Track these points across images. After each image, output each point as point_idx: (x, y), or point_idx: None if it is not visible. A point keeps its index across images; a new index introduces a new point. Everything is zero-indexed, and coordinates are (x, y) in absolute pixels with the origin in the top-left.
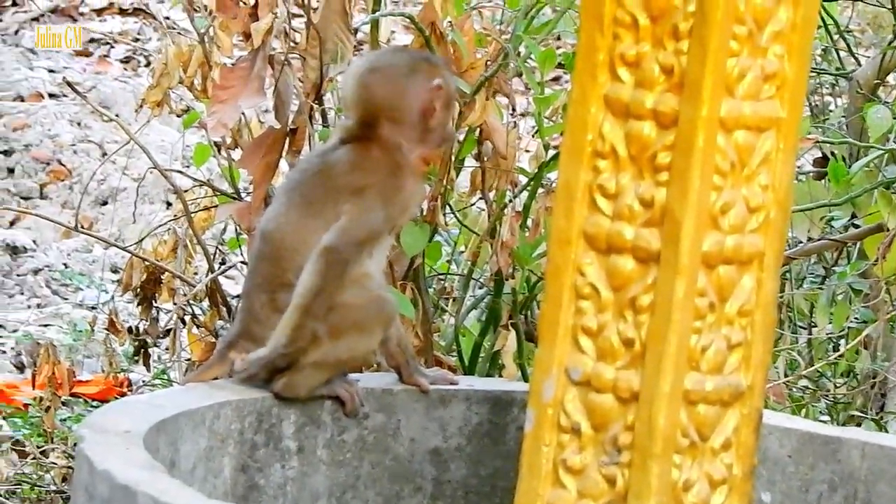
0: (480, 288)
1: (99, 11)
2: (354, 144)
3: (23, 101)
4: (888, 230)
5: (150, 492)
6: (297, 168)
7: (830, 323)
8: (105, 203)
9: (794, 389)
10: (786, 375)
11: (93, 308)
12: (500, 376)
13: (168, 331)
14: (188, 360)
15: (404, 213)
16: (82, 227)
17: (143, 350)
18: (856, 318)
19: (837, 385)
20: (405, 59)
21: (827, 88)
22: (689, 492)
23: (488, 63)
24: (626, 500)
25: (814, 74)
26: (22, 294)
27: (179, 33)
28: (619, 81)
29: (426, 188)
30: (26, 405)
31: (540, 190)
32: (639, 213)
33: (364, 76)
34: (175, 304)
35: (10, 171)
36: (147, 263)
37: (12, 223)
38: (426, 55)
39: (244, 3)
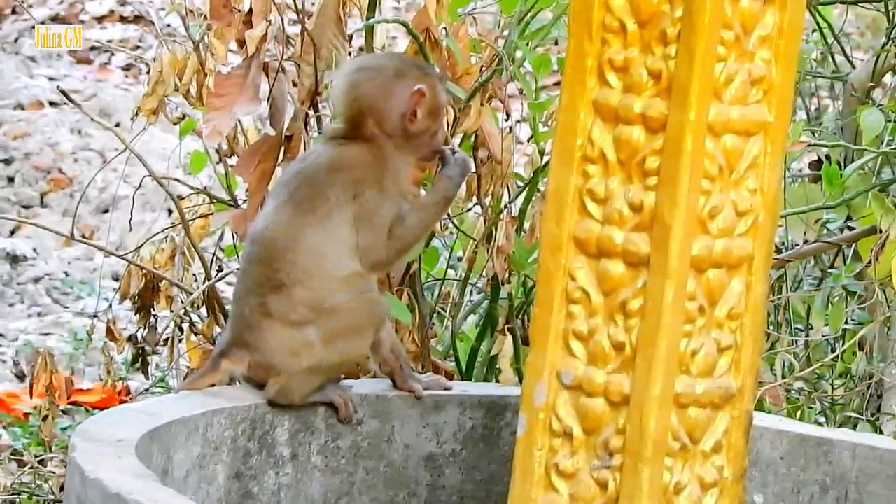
0: (478, 293)
1: (100, 19)
2: (339, 140)
3: (23, 109)
4: (882, 232)
5: (142, 500)
6: (286, 170)
7: (827, 325)
8: (106, 211)
9: (791, 391)
10: (783, 377)
11: (93, 316)
12: (498, 381)
13: (167, 339)
14: (187, 367)
15: (402, 190)
16: (83, 235)
17: (141, 358)
18: (852, 320)
19: (834, 387)
20: (395, 63)
21: (825, 92)
22: (680, 495)
23: (483, 69)
24: (618, 503)
25: (809, 77)
26: (22, 303)
27: (175, 41)
28: (608, 86)
29: (411, 169)
30: (26, 415)
31: (536, 195)
32: (628, 217)
33: (352, 75)
34: (173, 311)
35: (11, 179)
36: (145, 271)
37: (13, 232)
38: (420, 63)
39: (238, 11)
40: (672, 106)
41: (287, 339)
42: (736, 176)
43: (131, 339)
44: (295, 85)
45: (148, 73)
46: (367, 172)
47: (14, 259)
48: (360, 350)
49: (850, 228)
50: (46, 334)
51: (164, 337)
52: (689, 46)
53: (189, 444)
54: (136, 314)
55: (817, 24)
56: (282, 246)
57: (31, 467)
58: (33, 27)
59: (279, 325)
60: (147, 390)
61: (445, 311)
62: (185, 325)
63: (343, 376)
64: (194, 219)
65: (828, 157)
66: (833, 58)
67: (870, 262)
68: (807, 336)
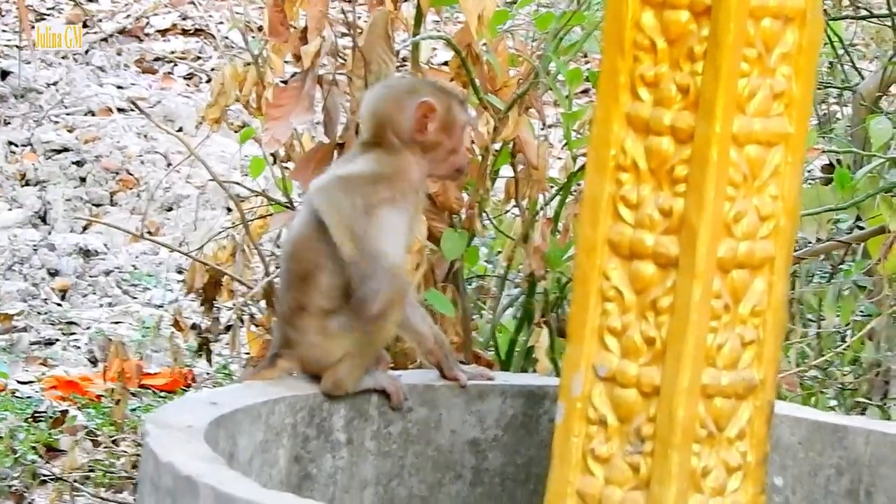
0: (515, 288)
1: (163, 32)
2: (365, 148)
3: (93, 115)
4: (890, 232)
5: (210, 482)
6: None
7: (838, 317)
8: (170, 209)
9: (805, 378)
10: (797, 366)
11: (159, 307)
12: (535, 370)
13: (228, 327)
14: (247, 354)
15: (396, 179)
16: (149, 231)
17: (205, 346)
18: (861, 312)
19: (845, 374)
20: (413, 81)
21: (833, 98)
22: (707, 478)
23: (520, 81)
24: (650, 486)
25: (820, 87)
26: (94, 294)
27: (234, 56)
28: (640, 100)
29: (413, 169)
30: (99, 396)
31: (569, 198)
32: (658, 221)
33: (373, 91)
34: (234, 304)
35: (83, 180)
36: (208, 267)
37: (85, 228)
38: (440, 85)
39: (294, 28)
40: (699, 118)
41: (321, 329)
42: (759, 183)
43: (195, 327)
44: (347, 96)
45: (208, 82)
46: (378, 181)
47: (87, 253)
48: (388, 329)
49: (860, 228)
50: (117, 323)
51: (226, 326)
52: (714, 63)
53: (253, 431)
54: (200, 306)
55: (828, 37)
56: (306, 236)
57: (105, 447)
58: (103, 40)
59: (313, 318)
60: (210, 376)
61: (485, 305)
62: (246, 317)
63: (392, 366)
64: (253, 219)
65: (839, 161)
66: (842, 68)
67: (879, 259)
68: (819, 327)
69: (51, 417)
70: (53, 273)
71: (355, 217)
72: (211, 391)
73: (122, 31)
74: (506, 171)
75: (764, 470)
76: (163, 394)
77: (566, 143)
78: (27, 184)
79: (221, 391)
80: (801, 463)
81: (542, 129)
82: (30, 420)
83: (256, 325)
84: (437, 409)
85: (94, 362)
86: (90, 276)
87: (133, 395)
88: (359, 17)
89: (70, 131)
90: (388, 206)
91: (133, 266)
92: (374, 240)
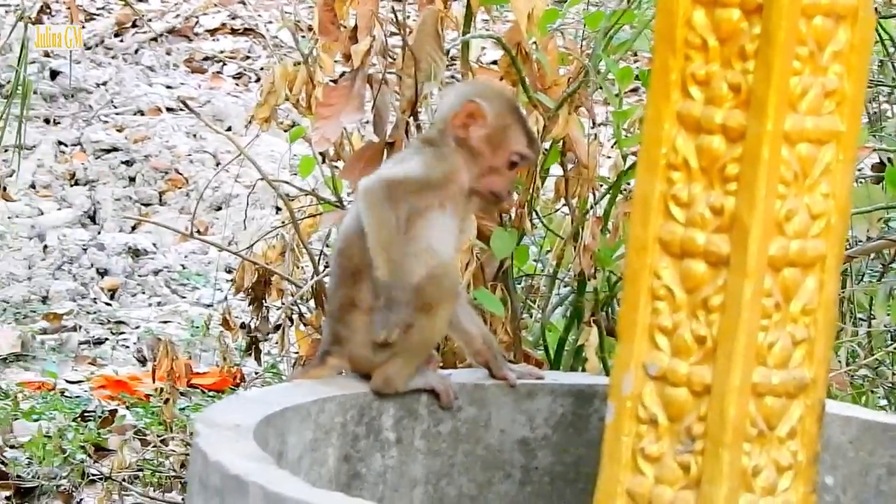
0: (565, 287)
1: (212, 32)
2: (421, 146)
3: (143, 115)
4: None
5: (259, 482)
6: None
7: (888, 315)
8: (219, 208)
9: (855, 378)
10: (847, 365)
11: (208, 306)
12: (584, 369)
13: (278, 326)
14: (296, 353)
15: (444, 185)
16: (198, 231)
17: (254, 345)
18: None
19: (895, 373)
20: (492, 88)
21: (884, 97)
22: (757, 477)
23: (570, 80)
24: (700, 485)
25: (871, 85)
26: (143, 293)
27: (283, 56)
28: (691, 99)
29: (463, 173)
30: (148, 396)
31: (619, 196)
32: (710, 220)
33: (451, 87)
34: (283, 303)
35: (132, 179)
36: (257, 266)
37: (134, 228)
38: (515, 107)
39: (344, 27)
40: (750, 117)
41: (370, 327)
42: (810, 182)
43: (244, 326)
44: (397, 95)
45: (257, 81)
46: (426, 189)
47: (136, 253)
48: (440, 324)
49: None
50: (165, 322)
51: (275, 325)
52: (766, 61)
53: (302, 430)
54: (249, 305)
55: (878, 35)
56: (357, 232)
57: (153, 446)
58: (153, 39)
59: (363, 315)
60: (259, 375)
61: (535, 304)
62: (295, 316)
63: (441, 365)
64: (303, 218)
65: (889, 160)
66: (893, 66)
67: None
68: (869, 326)
69: (99, 417)
70: (102, 272)
71: (395, 237)
72: (259, 390)
73: (171, 31)
74: (555, 169)
75: (815, 469)
76: (211, 393)
77: (616, 142)
78: (76, 183)
79: (270, 390)
80: (851, 462)
81: (592, 127)
82: (78, 419)
83: (305, 325)
84: (486, 408)
85: (142, 362)
86: (139, 276)
87: (182, 394)
88: (408, 16)
89: (119, 131)
90: (436, 210)
91: (182, 265)
92: (416, 244)
